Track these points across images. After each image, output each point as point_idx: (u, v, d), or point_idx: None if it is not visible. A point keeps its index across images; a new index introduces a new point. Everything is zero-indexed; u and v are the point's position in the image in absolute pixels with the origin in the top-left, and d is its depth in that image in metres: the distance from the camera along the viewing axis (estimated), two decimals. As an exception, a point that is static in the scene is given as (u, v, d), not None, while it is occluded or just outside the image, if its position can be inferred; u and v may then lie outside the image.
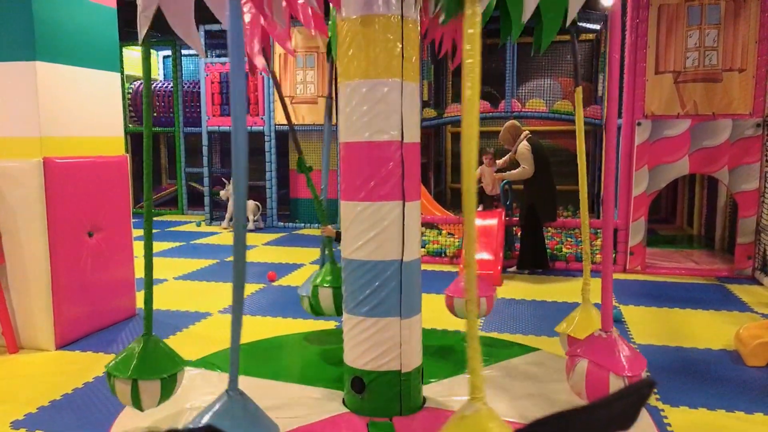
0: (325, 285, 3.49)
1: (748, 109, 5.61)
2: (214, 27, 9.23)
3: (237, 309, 1.99)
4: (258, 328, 4.24)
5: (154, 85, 10.63)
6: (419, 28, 2.74)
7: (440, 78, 10.56)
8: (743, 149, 5.65)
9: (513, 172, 6.06)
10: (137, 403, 2.52)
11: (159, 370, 2.53)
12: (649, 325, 4.34)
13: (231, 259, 6.76)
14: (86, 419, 2.90)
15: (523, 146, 5.91)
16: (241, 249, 1.99)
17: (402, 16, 2.58)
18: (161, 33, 10.17)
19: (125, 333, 4.16)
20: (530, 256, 6.07)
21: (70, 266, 3.91)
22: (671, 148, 5.78)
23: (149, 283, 2.64)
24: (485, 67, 10.56)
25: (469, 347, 1.79)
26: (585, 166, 3.23)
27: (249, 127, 9.09)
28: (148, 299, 2.64)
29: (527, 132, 6.03)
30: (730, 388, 3.25)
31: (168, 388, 2.57)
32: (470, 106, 1.73)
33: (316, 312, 3.57)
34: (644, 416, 2.83)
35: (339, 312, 3.44)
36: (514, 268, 6.11)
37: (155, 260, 6.55)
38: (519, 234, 6.26)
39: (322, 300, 3.50)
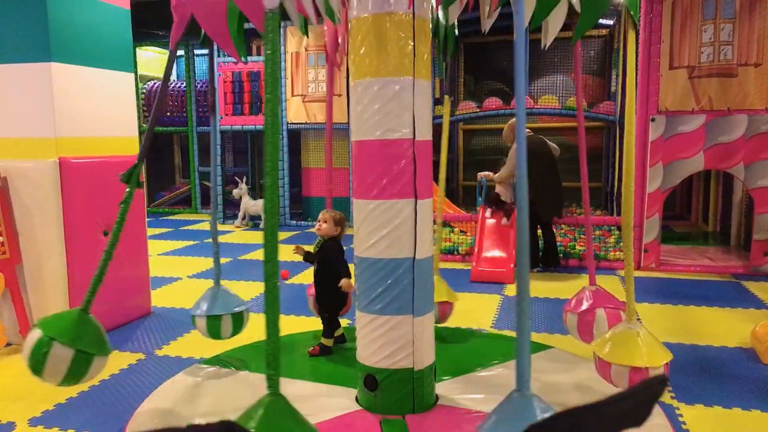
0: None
1: (764, 104, 5.54)
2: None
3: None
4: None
5: (167, 84, 10.70)
6: (431, 25, 2.74)
7: (452, 75, 10.53)
8: (759, 144, 5.59)
9: (501, 171, 6.16)
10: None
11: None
12: (664, 323, 4.30)
13: (244, 257, 6.80)
14: (103, 416, 2.93)
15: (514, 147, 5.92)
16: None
17: (413, 14, 2.58)
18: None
19: (140, 331, 4.20)
20: (533, 254, 6.02)
21: (85, 265, 3.95)
22: (686, 143, 5.73)
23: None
24: (497, 64, 10.56)
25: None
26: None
27: (261, 127, 9.13)
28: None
29: (528, 131, 6.00)
30: (745, 386, 3.22)
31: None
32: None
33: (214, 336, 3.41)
34: (659, 414, 2.82)
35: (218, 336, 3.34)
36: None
37: (169, 259, 6.58)
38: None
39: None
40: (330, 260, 3.42)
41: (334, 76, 8.67)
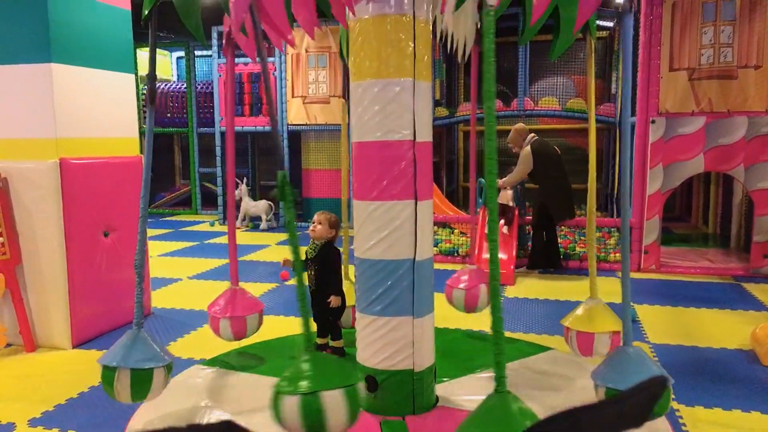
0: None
1: (764, 106, 5.55)
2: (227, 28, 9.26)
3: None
4: (271, 327, 4.26)
5: (167, 85, 10.72)
6: (431, 27, 2.74)
7: (452, 77, 10.54)
8: (759, 147, 5.59)
9: (510, 176, 6.09)
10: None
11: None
12: (664, 325, 4.30)
13: (244, 258, 6.79)
14: (103, 417, 2.93)
15: (525, 149, 5.96)
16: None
17: (414, 16, 2.59)
18: (174, 34, 10.26)
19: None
20: (542, 255, 6.07)
21: (86, 266, 3.95)
22: (686, 145, 5.73)
23: None
24: (497, 66, 10.56)
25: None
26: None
27: (262, 128, 9.14)
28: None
29: (533, 134, 6.07)
30: (746, 387, 3.22)
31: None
32: None
33: None
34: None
35: None
36: (524, 268, 6.11)
37: (169, 260, 6.58)
38: (530, 233, 6.26)
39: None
40: (329, 267, 3.42)
41: (335, 77, 8.70)
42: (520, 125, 6.18)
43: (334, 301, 3.35)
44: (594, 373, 2.54)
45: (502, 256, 5.87)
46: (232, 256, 3.44)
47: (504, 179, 6.14)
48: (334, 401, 1.84)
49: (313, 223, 3.45)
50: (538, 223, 6.05)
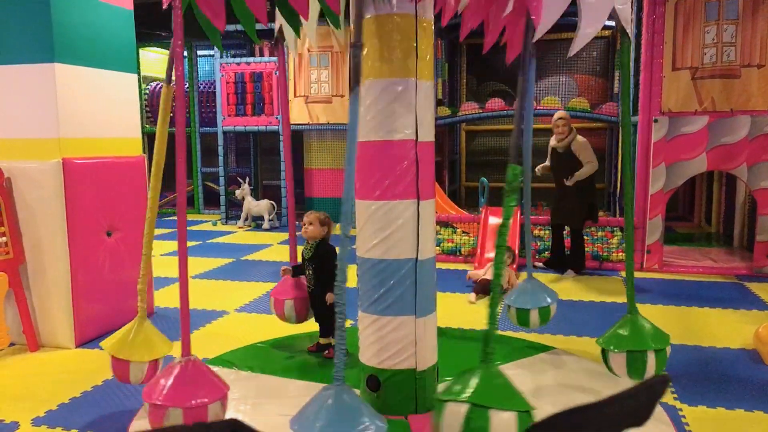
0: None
1: (767, 105, 5.53)
2: (229, 27, 9.28)
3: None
4: (273, 326, 4.26)
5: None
6: (433, 26, 2.75)
7: (454, 76, 10.54)
8: (762, 146, 5.58)
9: (583, 170, 5.55)
10: None
11: None
12: (667, 324, 4.28)
13: (246, 258, 6.80)
14: (106, 416, 2.94)
15: (583, 140, 5.60)
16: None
17: (416, 15, 2.59)
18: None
19: (143, 331, 4.19)
20: (582, 257, 5.86)
21: (89, 265, 3.96)
22: (689, 144, 5.72)
23: None
24: (499, 65, 10.55)
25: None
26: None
27: (264, 127, 9.15)
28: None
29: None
30: (749, 387, 3.21)
31: None
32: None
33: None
34: (662, 415, 2.82)
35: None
36: (571, 272, 5.81)
37: (171, 259, 6.58)
38: (570, 234, 5.87)
39: None
40: (326, 266, 3.42)
41: (337, 77, 8.70)
42: (564, 112, 5.82)
43: (329, 297, 3.36)
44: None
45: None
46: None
47: (576, 174, 5.55)
48: (502, 423, 1.76)
49: (304, 225, 3.46)
50: (582, 224, 5.73)
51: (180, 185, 2.52)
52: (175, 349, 3.84)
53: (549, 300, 3.47)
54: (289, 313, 3.54)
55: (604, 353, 2.86)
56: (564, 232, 5.97)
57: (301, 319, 3.59)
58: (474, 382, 1.87)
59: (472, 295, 4.97)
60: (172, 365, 2.51)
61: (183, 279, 2.60)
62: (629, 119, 2.88)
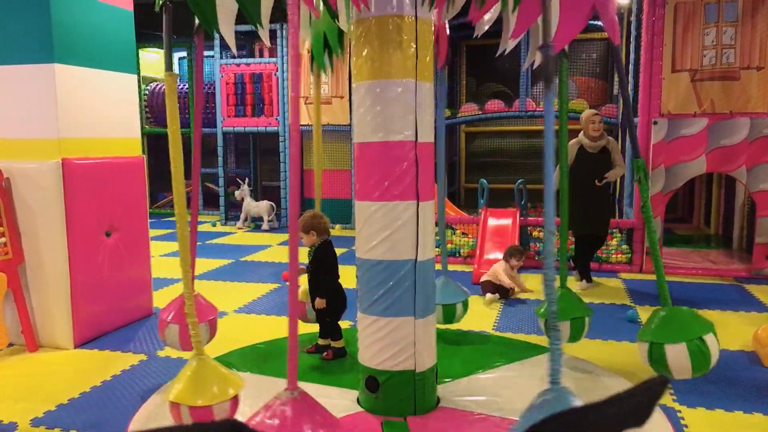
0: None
1: (767, 107, 5.54)
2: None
3: None
4: (273, 327, 4.27)
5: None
6: (433, 28, 2.75)
7: (454, 78, 10.54)
8: (762, 148, 5.59)
9: (617, 171, 5.16)
10: None
11: None
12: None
13: (246, 258, 6.79)
14: (105, 417, 2.94)
15: (612, 140, 5.26)
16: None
17: (416, 17, 2.59)
18: (177, 35, 10.27)
19: (142, 332, 4.20)
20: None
21: (88, 266, 3.96)
22: (688, 146, 5.73)
23: None
24: (499, 67, 10.56)
25: None
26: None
27: (263, 128, 9.15)
28: None
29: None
30: (747, 389, 3.21)
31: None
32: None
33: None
34: (660, 417, 2.82)
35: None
36: (585, 283, 5.39)
37: (170, 260, 6.58)
38: (593, 243, 5.44)
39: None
40: (320, 269, 3.42)
41: (337, 79, 8.70)
42: (592, 112, 5.26)
43: (317, 303, 3.38)
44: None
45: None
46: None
47: (608, 175, 5.11)
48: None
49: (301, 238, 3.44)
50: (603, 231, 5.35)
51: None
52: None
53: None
54: (172, 339, 3.10)
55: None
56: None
57: (186, 347, 3.07)
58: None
59: (488, 296, 4.97)
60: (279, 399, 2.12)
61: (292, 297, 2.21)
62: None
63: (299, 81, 2.39)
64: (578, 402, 1.97)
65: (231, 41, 2.65)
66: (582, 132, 5.26)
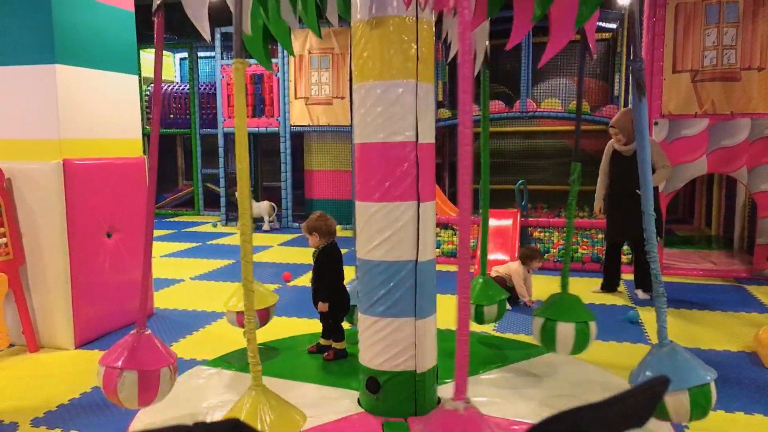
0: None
1: (767, 108, 5.54)
2: (230, 29, 9.29)
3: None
4: (273, 327, 4.26)
5: (170, 87, 10.74)
6: (434, 28, 2.75)
7: (455, 79, 10.54)
8: (762, 149, 5.59)
9: (663, 173, 4.90)
10: None
11: None
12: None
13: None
14: (105, 417, 2.94)
15: (654, 141, 4.94)
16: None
17: (417, 17, 2.59)
18: (177, 35, 10.28)
19: (143, 332, 4.19)
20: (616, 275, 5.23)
21: (89, 266, 3.96)
22: (689, 147, 5.72)
23: None
24: (500, 68, 10.57)
25: None
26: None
27: (264, 129, 9.15)
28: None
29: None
30: (748, 390, 3.21)
31: None
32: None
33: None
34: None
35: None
36: (641, 292, 5.01)
37: (171, 260, 6.56)
38: (633, 250, 5.21)
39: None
40: (322, 271, 3.43)
41: (338, 79, 8.70)
42: (629, 109, 4.94)
43: (319, 307, 3.40)
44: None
45: (503, 257, 5.87)
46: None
47: (654, 177, 4.62)
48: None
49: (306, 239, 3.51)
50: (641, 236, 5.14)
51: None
52: (179, 349, 3.84)
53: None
54: (128, 392, 2.49)
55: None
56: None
57: (146, 401, 2.54)
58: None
59: None
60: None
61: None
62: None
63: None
64: (687, 354, 2.43)
65: (202, 28, 2.65)
66: None
